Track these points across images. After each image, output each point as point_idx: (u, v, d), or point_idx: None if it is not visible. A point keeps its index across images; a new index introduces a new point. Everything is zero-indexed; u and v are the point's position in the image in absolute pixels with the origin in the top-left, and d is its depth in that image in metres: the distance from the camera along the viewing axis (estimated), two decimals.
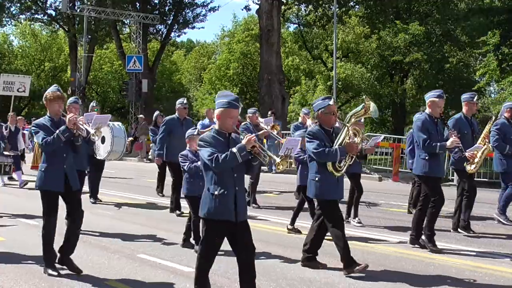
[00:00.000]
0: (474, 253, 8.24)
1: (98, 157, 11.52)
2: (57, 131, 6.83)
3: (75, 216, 7.28)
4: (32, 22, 48.86)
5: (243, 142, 5.55)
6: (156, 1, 42.52)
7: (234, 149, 5.49)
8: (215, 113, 5.87)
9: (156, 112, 16.30)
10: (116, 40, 41.81)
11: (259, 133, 12.04)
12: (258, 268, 7.25)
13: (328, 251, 8.01)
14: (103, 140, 11.11)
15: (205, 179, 5.76)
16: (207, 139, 5.69)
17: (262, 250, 8.38)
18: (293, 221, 9.80)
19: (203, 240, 5.80)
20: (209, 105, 45.61)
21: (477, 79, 31.58)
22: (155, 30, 44.26)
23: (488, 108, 42.06)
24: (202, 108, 44.30)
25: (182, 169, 8.65)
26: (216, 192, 5.59)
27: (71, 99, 10.49)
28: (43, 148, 7.00)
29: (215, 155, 5.48)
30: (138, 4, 40.35)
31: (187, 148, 8.66)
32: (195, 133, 8.62)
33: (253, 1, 34.67)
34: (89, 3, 39.14)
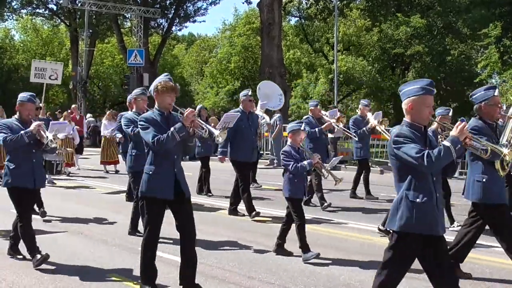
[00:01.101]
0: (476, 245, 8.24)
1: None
2: (172, 129, 5.80)
3: (190, 229, 6.15)
4: (34, 17, 48.82)
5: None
6: None
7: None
8: (404, 104, 4.84)
9: (200, 106, 15.24)
10: (117, 34, 41.79)
11: (322, 126, 11.74)
12: (258, 260, 7.29)
13: (326, 244, 8.05)
14: None
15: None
16: (406, 133, 4.67)
17: (262, 243, 8.41)
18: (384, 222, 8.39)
19: None
20: (210, 98, 45.68)
21: (478, 71, 31.57)
22: (156, 24, 44.27)
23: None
24: (204, 102, 44.31)
25: (285, 168, 7.67)
26: None
27: (138, 90, 9.51)
28: (155, 147, 5.89)
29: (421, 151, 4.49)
30: None
31: (289, 143, 7.75)
32: (301, 127, 7.83)
33: None
34: None
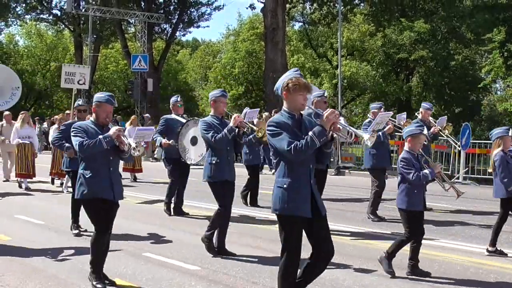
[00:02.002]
0: (479, 250, 8.22)
1: (188, 162, 10.72)
2: (311, 133, 5.00)
3: (329, 247, 5.47)
4: (38, 22, 48.97)
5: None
6: (161, 0, 42.62)
7: None
8: None
9: (247, 108, 13.36)
10: (121, 40, 41.84)
11: (385, 129, 10.74)
12: (263, 265, 7.27)
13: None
14: (194, 141, 10.44)
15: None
16: None
17: (266, 248, 8.40)
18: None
19: None
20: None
21: (482, 76, 31.54)
22: (160, 29, 44.30)
23: (494, 106, 41.94)
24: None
25: (404, 177, 6.85)
26: None
27: (217, 91, 8.32)
28: (291, 156, 5.01)
29: None
30: (143, 3, 40.42)
31: (407, 149, 6.93)
32: (424, 131, 7.10)
33: (258, 0, 34.70)
34: (94, 2, 39.23)
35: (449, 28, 34.19)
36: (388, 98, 36.16)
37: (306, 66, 43.30)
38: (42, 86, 53.56)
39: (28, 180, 15.45)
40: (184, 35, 49.97)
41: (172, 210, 11.44)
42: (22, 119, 15.18)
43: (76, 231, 9.41)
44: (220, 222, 7.93)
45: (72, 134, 6.32)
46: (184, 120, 11.01)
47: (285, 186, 5.10)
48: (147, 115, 30.67)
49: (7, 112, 15.50)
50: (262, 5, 30.43)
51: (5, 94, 9.98)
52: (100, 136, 6.25)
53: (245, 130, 8.24)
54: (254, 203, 12.57)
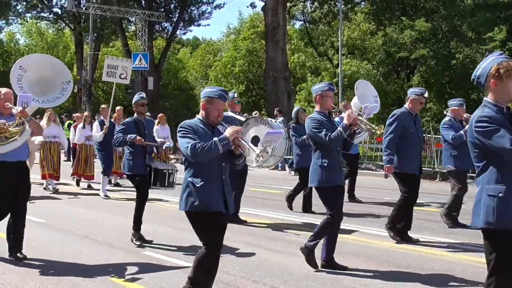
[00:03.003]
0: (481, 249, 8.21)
1: (248, 164, 10.03)
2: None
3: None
4: (38, 21, 49.01)
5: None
6: None
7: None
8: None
9: (297, 107, 12.94)
10: (122, 38, 41.84)
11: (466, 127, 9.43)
12: (263, 264, 7.27)
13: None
14: (255, 141, 9.24)
15: None
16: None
17: (266, 247, 8.39)
18: None
19: None
20: None
21: None
22: (160, 28, 44.29)
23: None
24: None
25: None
26: None
27: (323, 85, 7.50)
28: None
29: None
30: (143, 2, 40.41)
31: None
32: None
33: None
34: (94, 1, 39.22)
35: (450, 27, 34.12)
36: (388, 97, 36.13)
37: (307, 65, 43.29)
38: None
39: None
40: (184, 33, 50.05)
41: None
42: (48, 117, 14.74)
43: (139, 243, 8.50)
44: (329, 230, 7.10)
45: (180, 134, 5.40)
46: (242, 118, 10.38)
47: (500, 194, 4.23)
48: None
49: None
50: (263, 3, 30.45)
51: (55, 89, 8.96)
52: (215, 139, 5.29)
53: (358, 129, 7.60)
54: (308, 209, 11.66)
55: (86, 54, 39.94)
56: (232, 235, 8.90)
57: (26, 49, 55.87)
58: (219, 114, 5.56)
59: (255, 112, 23.59)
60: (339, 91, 28.41)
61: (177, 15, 43.10)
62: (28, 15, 45.66)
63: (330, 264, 7.10)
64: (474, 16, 29.57)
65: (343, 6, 31.59)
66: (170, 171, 8.98)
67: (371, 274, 6.93)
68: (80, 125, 15.75)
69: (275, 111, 23.11)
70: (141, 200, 8.81)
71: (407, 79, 36.86)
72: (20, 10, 44.22)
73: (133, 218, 8.71)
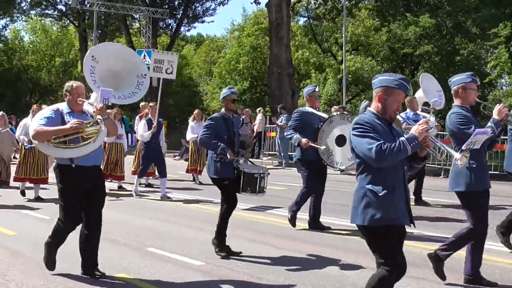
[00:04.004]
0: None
1: (333, 166, 9.30)
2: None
3: None
4: (43, 18, 49.04)
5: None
6: None
7: None
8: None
9: (366, 102, 10.82)
10: (126, 35, 41.88)
11: None
12: (267, 261, 7.27)
13: (334, 245, 8.02)
14: (340, 141, 8.82)
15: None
16: None
17: (271, 243, 8.39)
18: None
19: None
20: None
21: (488, 71, 31.43)
22: (164, 25, 44.36)
23: (499, 101, 41.84)
24: (213, 102, 44.33)
25: None
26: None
27: (465, 75, 6.67)
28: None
29: None
30: None
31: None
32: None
33: None
34: None
35: (454, 23, 34.06)
36: None
37: (311, 61, 43.22)
38: (47, 82, 53.64)
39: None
40: (188, 30, 50.09)
41: (308, 224, 9.57)
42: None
43: (223, 253, 7.63)
44: (471, 240, 6.33)
45: (356, 133, 4.56)
46: (324, 115, 9.57)
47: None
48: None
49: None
50: (267, 0, 30.35)
51: (131, 84, 7.92)
52: (402, 138, 4.48)
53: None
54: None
55: None
56: (236, 232, 8.91)
57: (31, 46, 55.89)
58: (398, 108, 4.77)
59: (281, 105, 23.49)
60: (343, 87, 28.39)
61: (181, 12, 43.14)
62: (33, 12, 45.80)
63: (478, 280, 6.34)
64: (478, 12, 29.46)
65: (347, 2, 31.54)
66: (262, 175, 7.96)
67: (366, 269, 6.91)
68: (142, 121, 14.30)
69: (278, 107, 23.10)
70: (229, 207, 7.78)
71: (412, 75, 36.76)
72: (24, 8, 44.38)
73: (217, 228, 7.70)
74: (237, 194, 7.82)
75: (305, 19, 45.11)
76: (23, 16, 47.83)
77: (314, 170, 9.27)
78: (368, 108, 4.75)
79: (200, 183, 15.90)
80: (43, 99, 56.03)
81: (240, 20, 53.39)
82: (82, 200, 6.48)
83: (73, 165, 6.36)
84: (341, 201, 11.75)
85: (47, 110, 6.63)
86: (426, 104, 12.44)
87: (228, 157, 7.53)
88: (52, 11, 45.06)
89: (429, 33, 32.95)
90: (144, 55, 34.68)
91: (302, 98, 39.90)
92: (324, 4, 37.31)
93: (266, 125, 24.01)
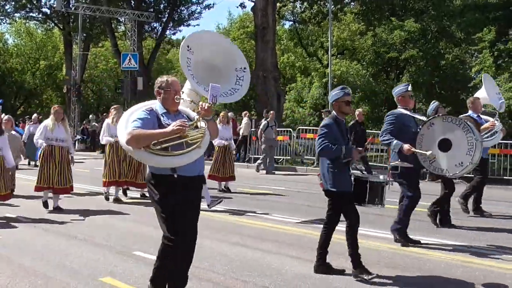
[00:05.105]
0: (465, 249, 8.23)
1: (436, 173, 8.43)
2: None
3: None
4: (27, 21, 48.83)
5: None
6: None
7: None
8: None
9: (435, 103, 10.95)
10: (111, 38, 41.77)
11: None
12: (253, 264, 7.27)
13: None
14: (444, 145, 8.04)
15: None
16: None
17: (256, 246, 8.37)
18: None
19: None
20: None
21: (473, 75, 31.61)
22: (150, 28, 44.26)
23: (484, 106, 42.07)
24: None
25: None
26: None
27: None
28: None
29: None
30: (133, 2, 40.34)
31: None
32: None
33: None
34: (83, 1, 39.07)
35: (439, 27, 34.23)
36: (378, 97, 36.23)
37: (296, 65, 43.35)
38: (32, 85, 53.35)
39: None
40: (174, 33, 50.10)
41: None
42: (117, 113, 12.74)
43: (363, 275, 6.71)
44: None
45: None
46: (421, 117, 8.74)
47: None
48: None
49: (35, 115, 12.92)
50: (253, 3, 30.39)
51: (229, 79, 6.76)
52: None
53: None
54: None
55: (75, 54, 39.78)
56: (222, 235, 8.89)
57: (15, 49, 55.65)
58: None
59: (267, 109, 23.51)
60: (328, 91, 28.45)
61: (167, 15, 43.10)
62: (17, 15, 45.54)
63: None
64: (463, 17, 29.66)
65: (332, 6, 31.61)
66: (385, 183, 7.13)
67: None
68: None
69: (264, 112, 23.11)
70: (334, 224, 7.12)
71: (397, 79, 36.91)
72: (8, 10, 44.09)
73: (320, 246, 7.04)
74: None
75: (291, 23, 45.27)
76: (7, 19, 47.54)
77: (415, 178, 8.45)
78: (439, 109, 4.73)
79: (228, 190, 14.74)
80: (27, 103, 55.77)
81: (226, 24, 53.53)
82: (182, 216, 5.38)
83: (175, 175, 5.25)
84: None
85: (138, 110, 5.59)
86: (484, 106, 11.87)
87: (355, 156, 6.83)
88: (36, 14, 44.84)
89: (414, 37, 33.10)
90: (130, 59, 34.66)
91: (288, 101, 40.04)
92: (310, 8, 37.40)
93: (252, 129, 24.00)
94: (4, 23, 49.84)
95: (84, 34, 40.43)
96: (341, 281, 6.61)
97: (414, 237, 8.56)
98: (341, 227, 8.91)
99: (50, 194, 11.74)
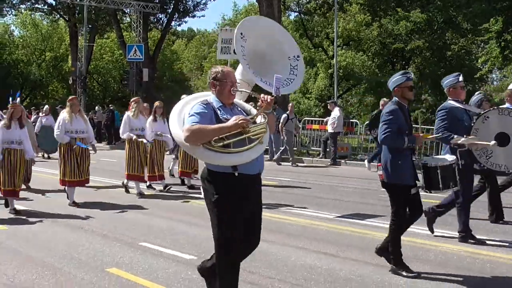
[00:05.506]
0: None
1: (493, 169, 7.81)
2: None
3: None
4: (33, 12, 48.82)
5: None
6: None
7: None
8: None
9: (480, 94, 10.74)
10: (117, 30, 41.76)
11: None
12: (259, 255, 7.27)
13: (326, 238, 8.03)
14: (502, 139, 7.48)
15: None
16: None
17: (263, 238, 8.39)
18: None
19: None
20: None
21: (479, 66, 31.54)
22: (155, 19, 44.22)
23: (490, 96, 42.00)
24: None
25: None
26: None
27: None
28: None
29: None
30: None
31: None
32: None
33: None
34: None
35: (445, 18, 34.14)
36: (383, 88, 36.17)
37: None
38: (37, 76, 53.42)
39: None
40: (179, 25, 49.98)
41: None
42: (137, 106, 12.71)
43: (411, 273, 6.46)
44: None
45: None
46: (474, 109, 8.33)
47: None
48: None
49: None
50: None
51: (282, 68, 6.14)
52: None
53: None
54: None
55: (81, 46, 39.80)
56: None
57: (21, 40, 55.65)
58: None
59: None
60: (334, 82, 28.40)
61: (172, 6, 43.02)
62: (23, 6, 45.55)
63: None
64: (469, 7, 29.57)
65: None
66: (454, 164, 6.80)
67: (367, 265, 6.93)
68: (150, 118, 13.20)
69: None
70: (410, 220, 6.66)
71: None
72: (14, 2, 44.11)
73: (392, 249, 6.61)
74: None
75: (296, 14, 45.12)
76: (13, 10, 47.60)
77: (473, 176, 8.06)
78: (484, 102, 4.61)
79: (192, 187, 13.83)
80: (33, 94, 55.86)
81: (231, 15, 53.38)
82: (247, 220, 5.04)
83: (236, 174, 4.80)
84: (333, 195, 11.76)
85: (189, 103, 5.21)
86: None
87: (418, 144, 6.61)
88: (42, 5, 44.84)
89: (420, 28, 33.04)
90: (135, 50, 34.65)
91: (293, 92, 39.96)
92: None
93: None
94: (10, 15, 49.98)
95: (90, 26, 40.41)
96: (347, 271, 6.62)
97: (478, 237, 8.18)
98: (354, 219, 8.92)
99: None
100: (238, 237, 4.92)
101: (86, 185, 11.76)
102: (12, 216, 10.15)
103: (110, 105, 34.44)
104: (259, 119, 4.98)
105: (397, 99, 6.70)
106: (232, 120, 4.73)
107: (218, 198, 4.81)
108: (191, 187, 13.57)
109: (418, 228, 8.32)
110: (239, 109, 5.13)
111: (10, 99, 10.53)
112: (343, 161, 19.86)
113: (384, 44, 35.63)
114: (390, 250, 6.53)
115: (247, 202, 4.91)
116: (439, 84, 7.12)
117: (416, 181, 6.49)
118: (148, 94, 37.04)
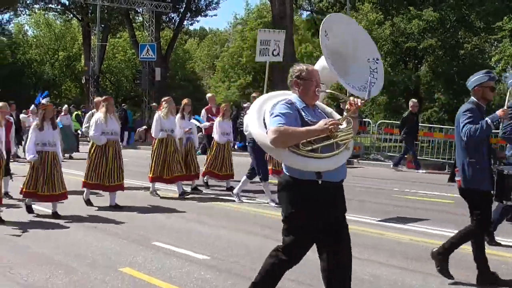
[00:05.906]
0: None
1: None
2: None
3: None
4: (46, 12, 49.10)
5: None
6: None
7: None
8: None
9: None
10: (129, 29, 41.91)
11: None
12: (262, 252, 7.27)
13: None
14: None
15: None
16: None
17: (266, 235, 8.39)
18: None
19: None
20: (222, 93, 45.78)
21: (492, 65, 31.34)
22: (168, 19, 44.32)
23: (504, 95, 41.75)
24: (216, 96, 44.33)
25: None
26: None
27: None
28: None
29: None
30: None
31: None
32: None
33: None
34: None
35: (458, 16, 33.90)
36: (396, 87, 36.04)
37: (314, 55, 43.13)
38: (51, 76, 53.69)
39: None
40: (191, 24, 50.04)
41: None
42: (168, 107, 12.28)
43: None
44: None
45: None
46: None
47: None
48: (154, 104, 30.69)
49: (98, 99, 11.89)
50: None
51: (362, 70, 5.71)
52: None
53: None
54: None
55: (94, 45, 39.96)
56: (239, 225, 8.91)
57: (34, 40, 55.97)
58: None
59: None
60: None
61: (184, 5, 43.09)
62: (36, 6, 45.85)
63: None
64: (482, 5, 29.39)
65: None
66: None
67: (379, 264, 6.92)
68: (178, 116, 12.88)
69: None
70: (482, 227, 6.20)
71: (415, 69, 36.73)
72: (28, 2, 44.39)
73: (476, 259, 6.23)
74: None
75: (308, 12, 45.05)
76: (26, 10, 47.90)
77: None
78: None
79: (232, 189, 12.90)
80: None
81: (243, 14, 53.38)
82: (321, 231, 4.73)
83: (320, 181, 4.48)
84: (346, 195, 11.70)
85: (269, 101, 4.88)
86: None
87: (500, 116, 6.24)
88: (55, 5, 45.05)
89: (432, 26, 32.83)
90: (148, 49, 34.75)
91: None
92: None
93: None
94: (23, 15, 50.27)
95: (102, 25, 40.56)
96: (358, 270, 6.60)
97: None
98: (367, 219, 8.91)
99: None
100: (307, 250, 4.94)
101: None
102: (31, 218, 10.17)
103: (123, 104, 34.53)
104: (345, 124, 4.65)
105: (475, 99, 6.30)
106: (322, 123, 4.41)
107: (298, 207, 4.58)
108: (230, 189, 12.90)
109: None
110: (319, 111, 4.80)
111: (41, 98, 10.16)
112: (355, 160, 19.82)
113: (396, 43, 35.43)
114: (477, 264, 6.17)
115: (332, 211, 4.63)
116: (452, 83, 6.96)
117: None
118: (161, 93, 37.18)
